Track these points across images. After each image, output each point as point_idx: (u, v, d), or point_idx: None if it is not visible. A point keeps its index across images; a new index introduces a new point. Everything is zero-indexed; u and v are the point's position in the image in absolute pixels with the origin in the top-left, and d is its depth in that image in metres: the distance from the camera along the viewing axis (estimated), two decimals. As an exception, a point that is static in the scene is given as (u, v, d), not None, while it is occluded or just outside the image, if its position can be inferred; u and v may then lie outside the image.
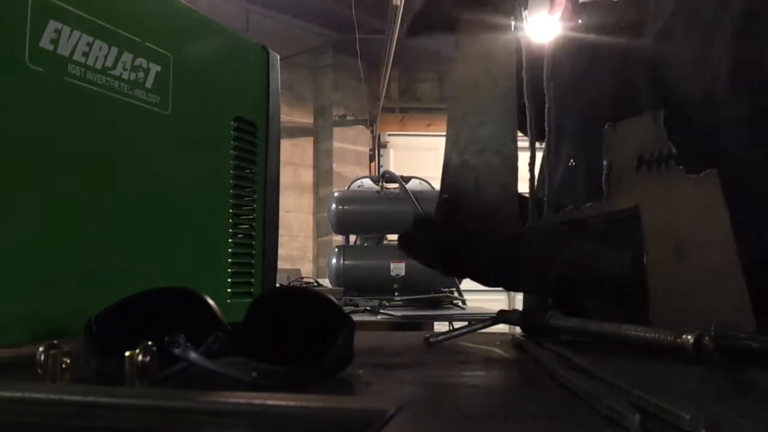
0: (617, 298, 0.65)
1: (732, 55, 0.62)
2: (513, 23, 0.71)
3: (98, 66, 0.53)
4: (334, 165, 5.01)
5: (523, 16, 0.71)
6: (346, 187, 2.82)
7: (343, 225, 2.53)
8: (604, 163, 0.57)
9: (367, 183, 2.72)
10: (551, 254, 0.64)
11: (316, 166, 5.13)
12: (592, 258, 0.62)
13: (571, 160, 0.75)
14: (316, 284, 2.62)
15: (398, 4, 3.27)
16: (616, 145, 0.57)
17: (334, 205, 2.48)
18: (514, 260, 0.65)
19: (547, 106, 0.68)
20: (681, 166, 0.52)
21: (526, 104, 0.67)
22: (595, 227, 0.61)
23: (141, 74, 0.57)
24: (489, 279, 0.71)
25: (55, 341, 0.35)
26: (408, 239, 0.68)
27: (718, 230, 0.49)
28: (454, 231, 0.66)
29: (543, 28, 0.78)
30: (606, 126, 0.57)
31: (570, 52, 0.75)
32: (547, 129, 0.68)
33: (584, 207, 0.59)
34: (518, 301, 0.92)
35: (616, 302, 0.66)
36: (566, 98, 0.75)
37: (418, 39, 0.74)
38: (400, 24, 0.77)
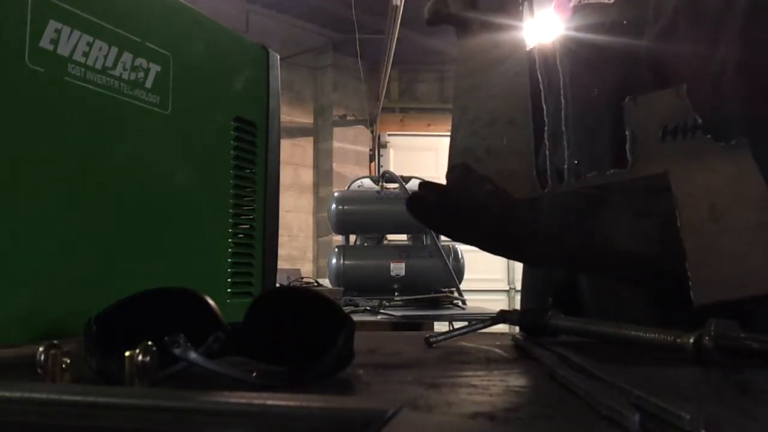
0: (637, 271, 0.63)
1: (738, 51, 0.62)
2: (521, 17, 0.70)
3: (98, 66, 0.53)
4: (334, 165, 5.01)
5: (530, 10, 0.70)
6: (346, 187, 2.82)
7: (343, 225, 2.53)
8: (627, 133, 0.56)
9: (367, 183, 2.72)
10: (569, 222, 0.62)
11: (316, 166, 5.13)
12: (614, 226, 0.60)
13: (575, 161, 0.75)
14: (316, 284, 2.62)
15: (398, 4, 3.27)
16: (638, 116, 0.56)
17: (334, 205, 2.48)
18: (530, 228, 0.63)
19: (561, 82, 0.66)
20: (708, 136, 0.51)
21: (540, 80, 0.66)
22: (618, 197, 0.60)
23: (141, 74, 0.57)
24: (501, 247, 0.68)
25: (55, 341, 0.35)
26: (417, 202, 0.66)
27: (753, 190, 0.49)
28: (467, 195, 0.64)
29: (548, 24, 0.78)
30: (626, 100, 0.56)
31: (570, 50, 0.75)
32: (563, 101, 0.67)
33: (609, 173, 0.57)
34: (518, 301, 0.91)
35: (635, 276, 0.64)
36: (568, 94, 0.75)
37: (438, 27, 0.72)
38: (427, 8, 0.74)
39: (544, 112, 0.65)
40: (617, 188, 0.58)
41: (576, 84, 0.76)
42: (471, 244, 0.69)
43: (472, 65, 0.71)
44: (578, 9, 0.78)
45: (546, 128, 0.65)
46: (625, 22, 0.73)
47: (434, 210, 0.65)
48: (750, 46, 0.62)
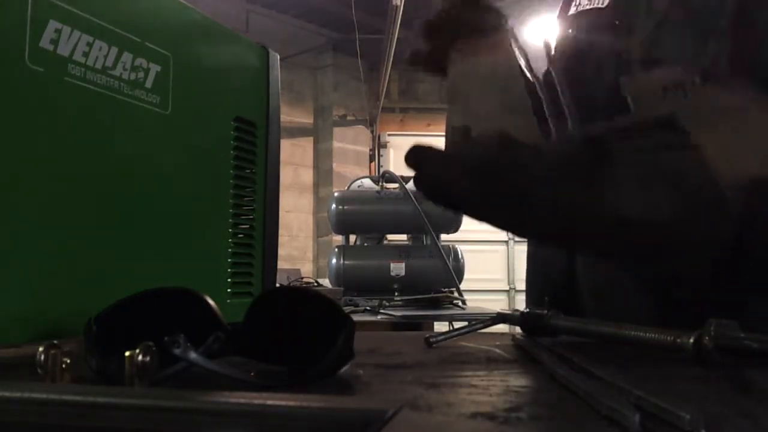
0: (641, 241, 0.62)
1: (729, 45, 0.62)
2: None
3: (98, 66, 0.53)
4: (334, 165, 5.02)
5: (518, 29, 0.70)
6: (346, 187, 2.82)
7: (343, 225, 2.53)
8: (628, 98, 0.56)
9: (367, 183, 2.72)
10: (575, 170, 0.60)
11: (316, 166, 5.13)
12: (619, 188, 0.59)
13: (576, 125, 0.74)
14: (316, 284, 2.62)
15: (398, 4, 3.27)
16: (637, 83, 0.56)
17: (334, 205, 2.49)
18: (535, 174, 0.60)
19: (556, 81, 0.66)
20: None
21: (533, 77, 0.65)
22: (624, 155, 0.59)
23: (141, 74, 0.57)
24: (501, 209, 0.66)
25: (55, 341, 0.35)
26: (418, 153, 0.62)
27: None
28: (469, 144, 0.62)
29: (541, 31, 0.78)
30: (622, 77, 0.56)
31: (565, 54, 0.76)
32: (559, 87, 0.66)
33: (615, 119, 0.57)
34: (519, 301, 0.92)
35: (639, 249, 0.63)
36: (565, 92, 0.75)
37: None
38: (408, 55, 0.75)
39: (542, 99, 0.65)
40: (623, 148, 0.57)
41: (572, 86, 0.76)
42: (468, 211, 0.67)
43: (466, 78, 0.71)
44: (576, 17, 0.78)
45: (545, 106, 0.65)
46: (617, 22, 0.73)
47: (435, 160, 0.63)
48: (741, 39, 0.62)
